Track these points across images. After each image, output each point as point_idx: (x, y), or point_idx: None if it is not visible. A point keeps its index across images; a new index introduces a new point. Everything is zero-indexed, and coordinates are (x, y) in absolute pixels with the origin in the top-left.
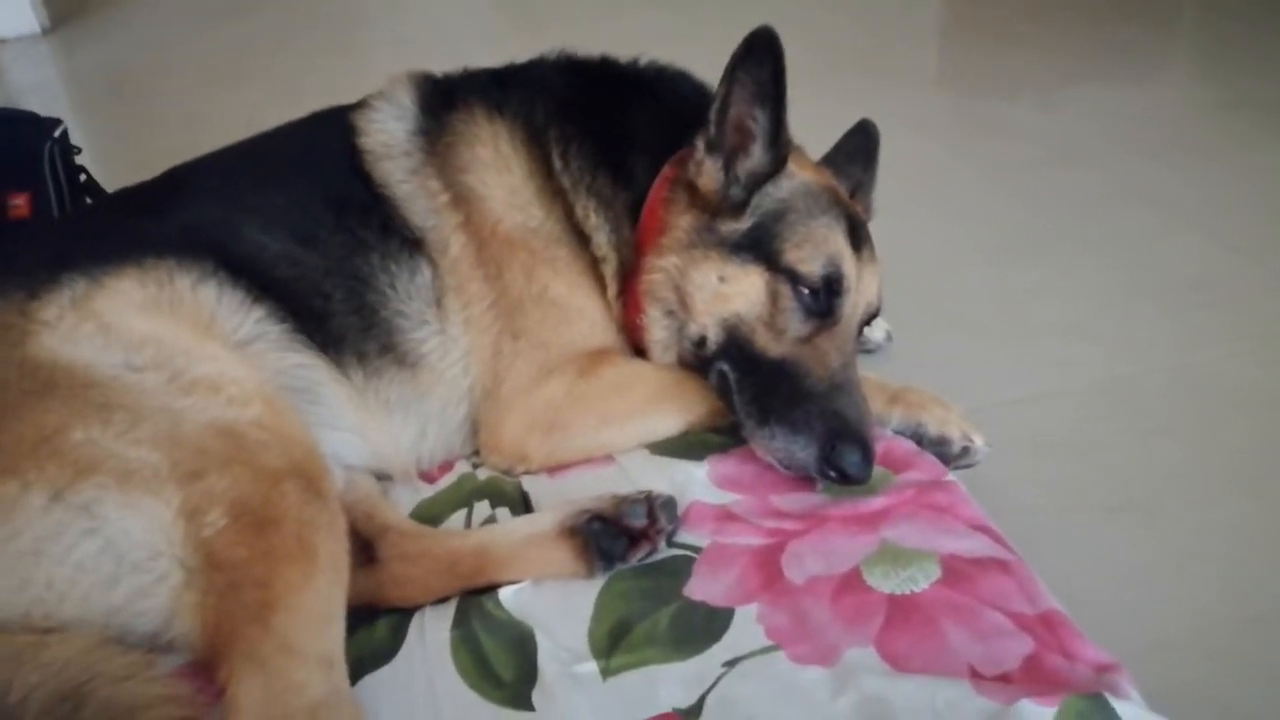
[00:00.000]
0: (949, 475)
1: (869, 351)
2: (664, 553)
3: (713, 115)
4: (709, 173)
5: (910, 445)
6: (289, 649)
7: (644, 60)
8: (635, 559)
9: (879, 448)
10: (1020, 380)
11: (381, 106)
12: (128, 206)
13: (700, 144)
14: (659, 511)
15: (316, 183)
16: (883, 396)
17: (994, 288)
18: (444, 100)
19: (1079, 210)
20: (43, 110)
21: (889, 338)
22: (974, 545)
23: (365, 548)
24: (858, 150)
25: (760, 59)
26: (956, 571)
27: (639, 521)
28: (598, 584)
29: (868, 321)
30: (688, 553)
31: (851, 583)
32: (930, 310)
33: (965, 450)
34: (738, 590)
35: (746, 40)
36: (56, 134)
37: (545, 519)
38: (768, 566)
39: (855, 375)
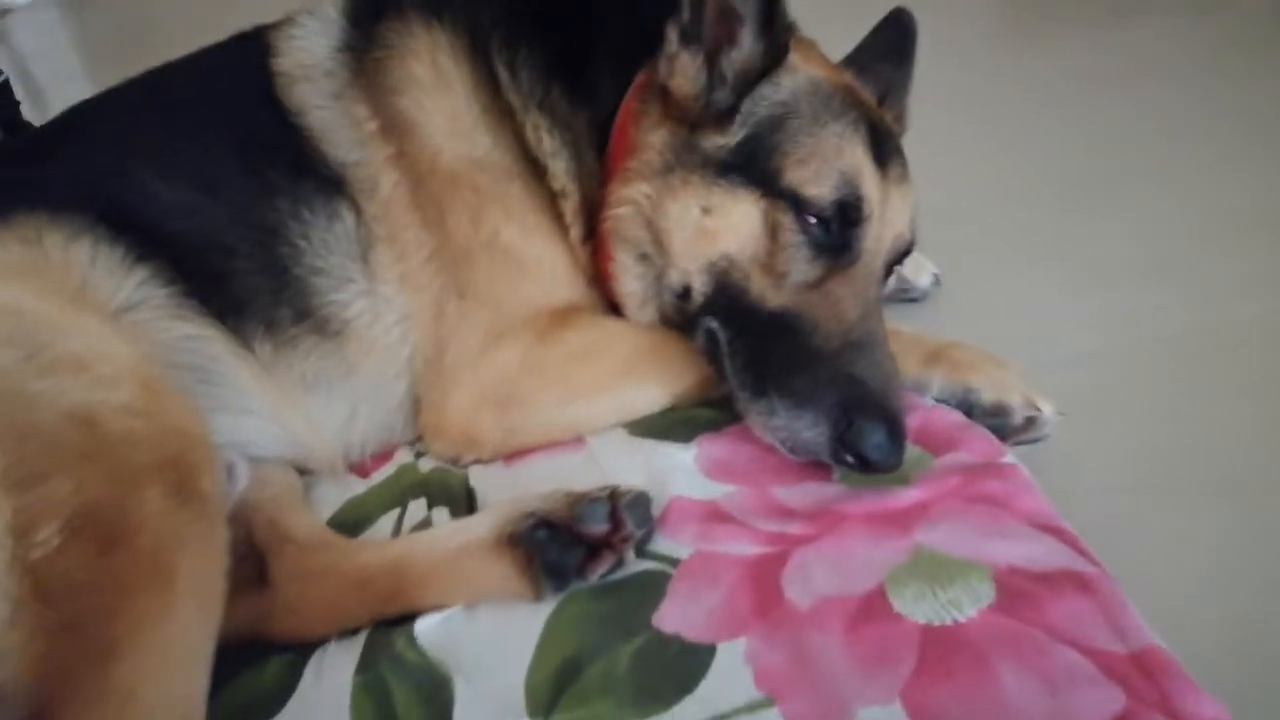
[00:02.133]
0: (1008, 455)
1: (913, 300)
2: (633, 566)
3: None
4: (685, 71)
5: (957, 417)
6: (136, 701)
7: None
8: (595, 575)
9: (914, 421)
10: (1090, 332)
11: (305, 21)
12: (17, 155)
13: (673, 34)
14: (625, 513)
15: (222, 116)
16: (919, 354)
17: (1059, 226)
18: (375, 9)
19: (1156, 139)
20: (50, 74)
21: (937, 283)
22: (1041, 552)
23: (262, 564)
24: (888, 47)
25: None
26: (1017, 591)
27: (598, 526)
28: (546, 609)
29: (899, 259)
30: (663, 566)
31: (874, 607)
32: (984, 252)
33: (1030, 421)
34: (723, 618)
35: None
36: None
37: (479, 524)
38: (764, 584)
39: (880, 329)
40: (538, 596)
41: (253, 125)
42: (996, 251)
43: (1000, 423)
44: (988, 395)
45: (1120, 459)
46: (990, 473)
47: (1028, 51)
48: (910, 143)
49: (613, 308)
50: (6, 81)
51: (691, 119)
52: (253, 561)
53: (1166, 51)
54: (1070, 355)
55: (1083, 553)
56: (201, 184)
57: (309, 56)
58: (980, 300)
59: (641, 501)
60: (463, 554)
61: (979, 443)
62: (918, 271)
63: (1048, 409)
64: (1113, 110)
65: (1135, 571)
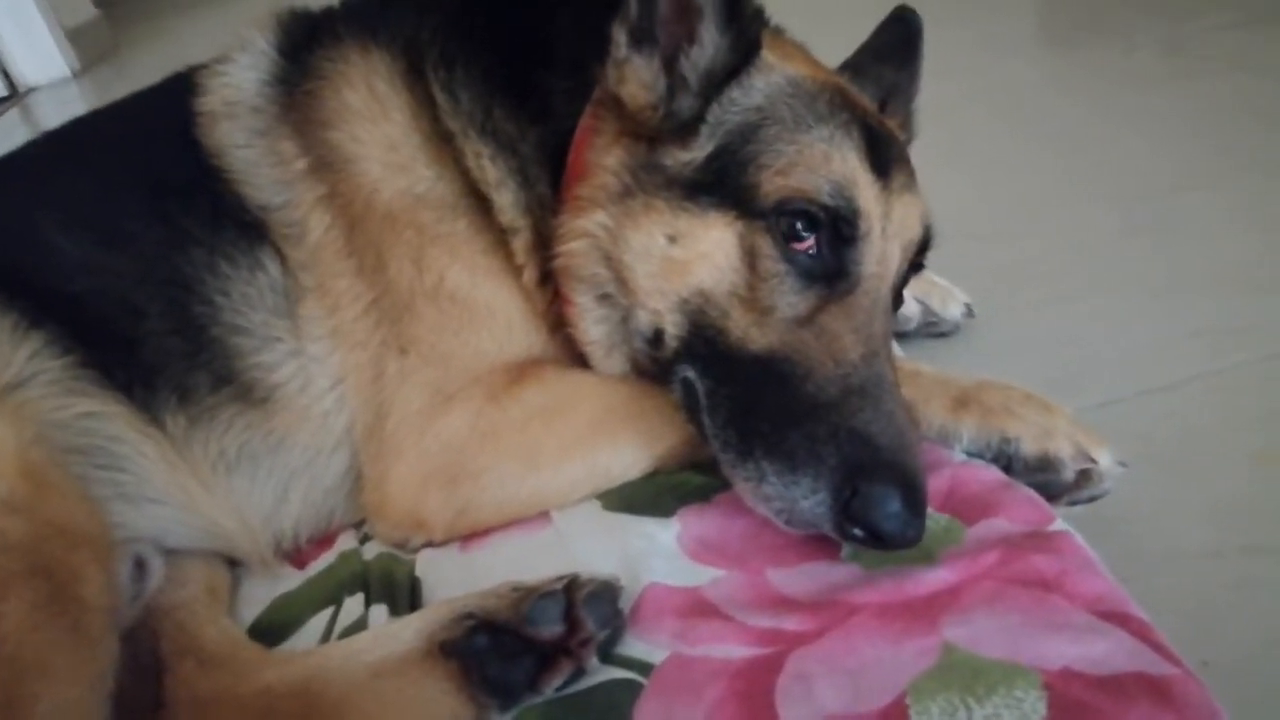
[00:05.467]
0: (1058, 521)
1: (942, 334)
2: (596, 674)
3: None
4: (638, 78)
5: (993, 474)
6: None
7: None
8: (550, 688)
9: (940, 481)
10: (1151, 364)
11: (235, 57)
12: None
13: (620, 35)
14: (584, 610)
15: (136, 161)
16: (945, 398)
17: (1109, 244)
18: (308, 37)
19: (1217, 145)
20: None
21: (969, 313)
22: (1105, 650)
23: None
24: (890, 47)
25: None
26: (1075, 703)
27: (551, 628)
28: None
29: (905, 281)
30: (633, 674)
31: None
32: (1024, 277)
33: (1083, 475)
34: None
35: None
36: None
37: (406, 631)
38: (754, 700)
39: (888, 371)
40: (480, 717)
41: (167, 170)
42: (1038, 276)
43: (1047, 479)
44: (1030, 445)
45: (1201, 517)
46: (1037, 544)
47: (1074, 53)
48: (938, 154)
49: (579, 359)
50: None
51: (650, 133)
52: (154, 679)
53: (1223, 52)
54: (1129, 392)
55: (1159, 648)
56: (106, 237)
57: (235, 93)
58: (1020, 332)
59: (605, 594)
60: (385, 669)
61: (1021, 506)
62: (946, 301)
63: (1105, 459)
64: (1168, 116)
65: (1227, 665)
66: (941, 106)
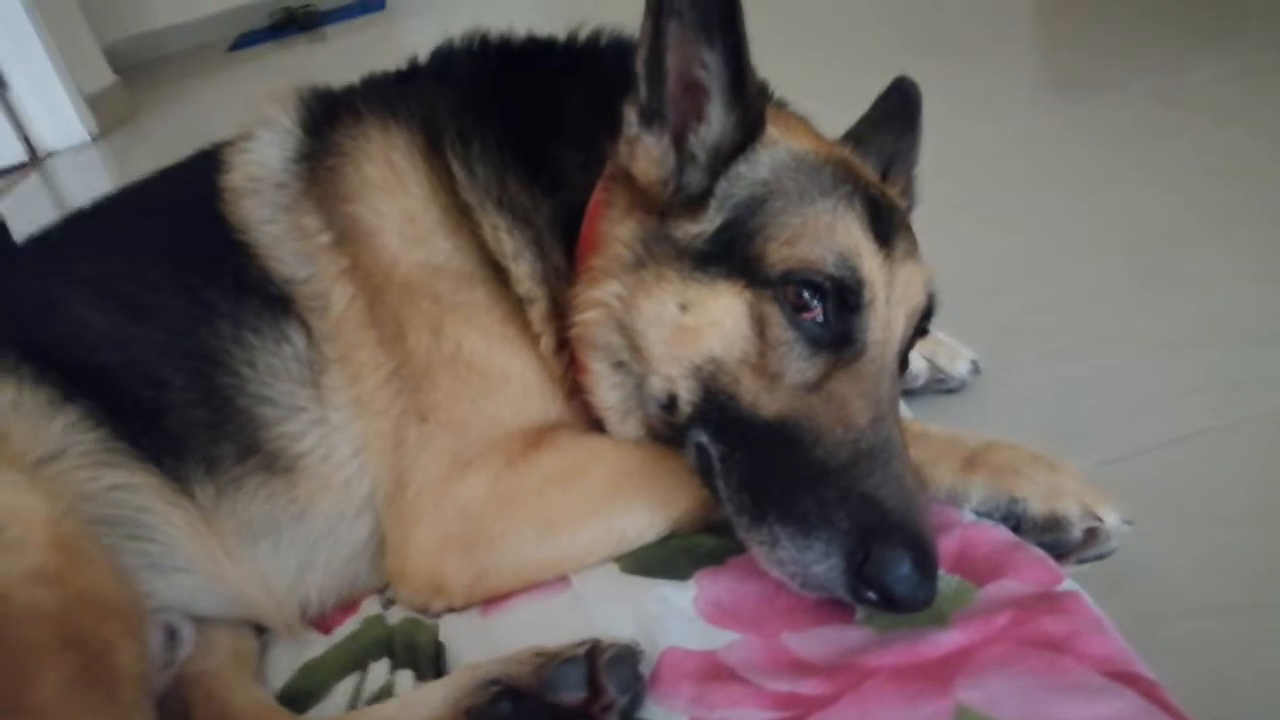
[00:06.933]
0: (1067, 582)
1: (949, 391)
2: None
3: (640, 66)
4: (649, 155)
5: (1003, 535)
6: None
7: (588, 30)
8: None
9: (950, 543)
10: (1161, 420)
11: (259, 134)
12: None
13: (631, 114)
14: (605, 675)
15: (163, 236)
16: (954, 459)
17: (1117, 297)
18: (330, 115)
19: (1227, 191)
20: None
21: (976, 370)
22: (1115, 712)
23: None
24: (890, 116)
25: None
26: None
27: (573, 694)
28: None
29: (911, 345)
30: None
31: None
32: (1030, 332)
33: (1091, 534)
34: None
35: None
36: None
37: (432, 697)
38: None
39: (896, 434)
40: None
41: (193, 245)
42: (1043, 330)
43: (1056, 538)
44: (1038, 505)
45: (1207, 574)
46: (1047, 605)
47: (1072, 107)
48: (941, 210)
49: (596, 425)
50: (2, 224)
51: (661, 206)
52: None
53: (1221, 104)
54: (1136, 448)
55: (1168, 708)
56: (135, 311)
57: (260, 169)
58: (1026, 387)
59: (626, 659)
60: None
61: (1031, 566)
62: (953, 359)
63: (1111, 518)
64: (1167, 168)
65: None
66: (941, 162)
